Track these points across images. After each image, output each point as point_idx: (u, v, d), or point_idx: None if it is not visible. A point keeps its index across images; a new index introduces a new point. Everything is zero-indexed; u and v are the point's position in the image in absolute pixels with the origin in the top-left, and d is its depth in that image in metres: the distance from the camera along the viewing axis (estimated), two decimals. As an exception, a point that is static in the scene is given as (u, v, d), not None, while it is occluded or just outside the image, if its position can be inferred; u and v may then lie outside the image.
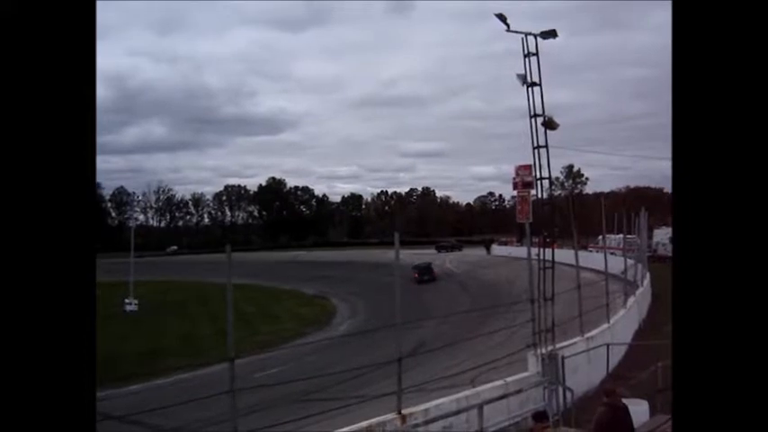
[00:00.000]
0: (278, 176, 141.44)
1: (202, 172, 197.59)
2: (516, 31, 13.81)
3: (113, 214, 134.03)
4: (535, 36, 13.96)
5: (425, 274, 51.29)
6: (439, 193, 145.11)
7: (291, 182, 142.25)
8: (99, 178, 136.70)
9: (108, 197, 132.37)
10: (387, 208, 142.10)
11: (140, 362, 26.77)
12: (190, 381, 23.55)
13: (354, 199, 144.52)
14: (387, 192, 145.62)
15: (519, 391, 13.06)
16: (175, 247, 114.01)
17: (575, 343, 16.07)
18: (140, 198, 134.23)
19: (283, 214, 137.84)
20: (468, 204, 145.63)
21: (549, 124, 14.24)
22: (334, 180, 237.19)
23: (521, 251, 49.41)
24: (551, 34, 13.99)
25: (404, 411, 10.96)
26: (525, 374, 14.13)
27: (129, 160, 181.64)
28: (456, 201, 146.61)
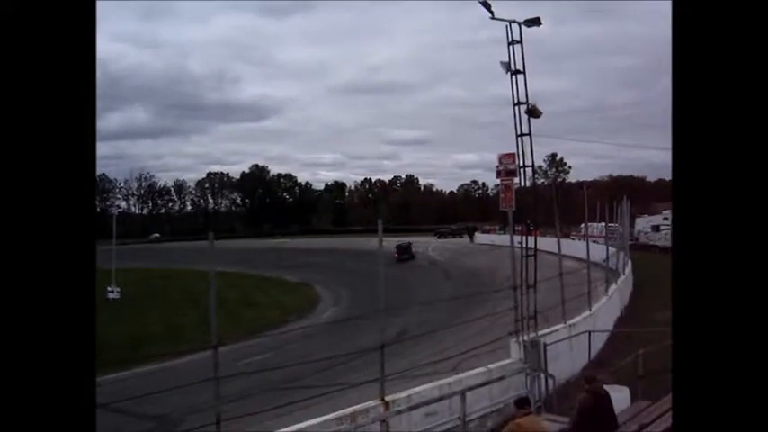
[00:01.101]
0: (261, 164, 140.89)
1: (185, 159, 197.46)
2: (500, 19, 13.81)
3: (96, 201, 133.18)
4: (519, 24, 13.97)
5: (405, 253, 58.21)
6: (422, 182, 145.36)
7: (275, 169, 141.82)
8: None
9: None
10: (370, 196, 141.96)
11: (122, 349, 26.57)
12: (173, 368, 23.45)
13: (338, 187, 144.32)
14: (370, 180, 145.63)
15: (501, 378, 13.16)
16: (158, 235, 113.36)
17: (557, 330, 16.21)
18: (122, 185, 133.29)
19: (266, 202, 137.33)
20: (452, 192, 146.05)
21: (533, 112, 14.28)
22: (317, 167, 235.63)
23: (503, 239, 49.59)
24: (535, 22, 14.00)
25: (387, 398, 11.02)
26: (508, 361, 14.23)
27: (112, 146, 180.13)
28: (439, 189, 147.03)
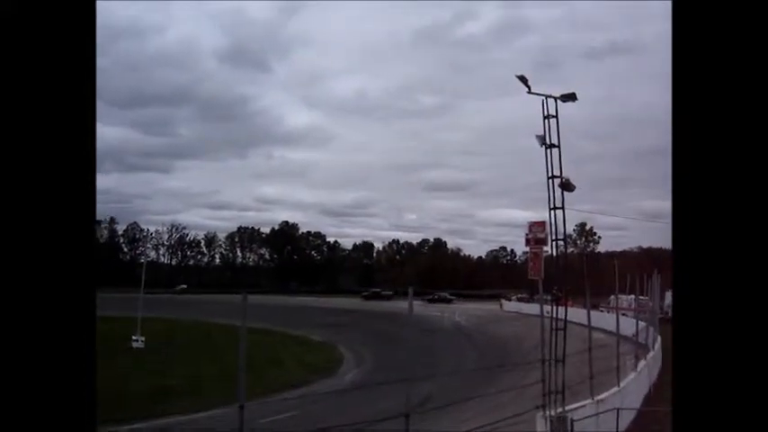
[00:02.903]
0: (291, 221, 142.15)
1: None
2: (537, 93, 13.98)
3: (125, 249, 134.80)
4: (555, 99, 14.12)
5: None
6: (450, 245, 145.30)
7: (304, 227, 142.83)
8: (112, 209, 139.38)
9: (121, 232, 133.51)
10: (398, 257, 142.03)
11: (144, 401, 26.52)
12: (193, 423, 23.32)
13: (366, 247, 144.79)
14: (398, 241, 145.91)
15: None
16: (184, 286, 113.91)
17: (584, 406, 15.83)
18: (153, 235, 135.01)
19: (294, 259, 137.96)
20: (480, 258, 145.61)
21: (567, 186, 14.28)
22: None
23: (531, 308, 49.31)
24: (571, 97, 14.14)
25: (409, 468, 10.79)
26: (532, 436, 13.90)
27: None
28: (467, 254, 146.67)
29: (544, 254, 15.28)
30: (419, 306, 61.47)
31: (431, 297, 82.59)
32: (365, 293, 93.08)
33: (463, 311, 68.52)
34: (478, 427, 15.90)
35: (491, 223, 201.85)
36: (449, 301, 75.26)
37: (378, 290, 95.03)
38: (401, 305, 67.40)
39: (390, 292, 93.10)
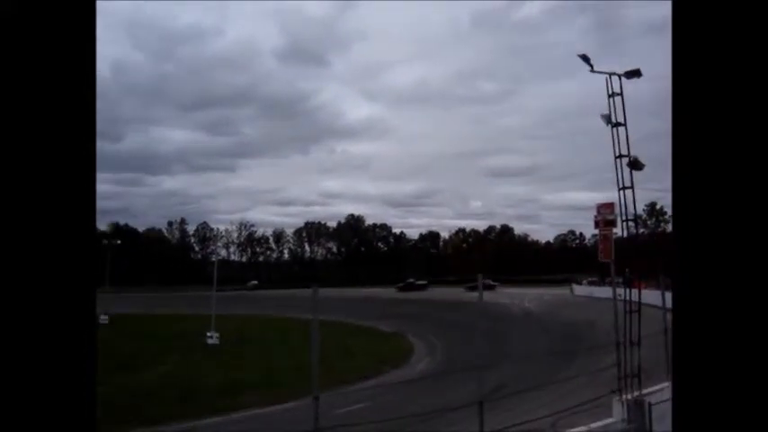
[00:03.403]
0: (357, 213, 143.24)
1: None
2: (600, 72, 13.69)
3: (196, 249, 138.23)
4: (619, 76, 13.79)
5: None
6: (517, 230, 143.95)
7: (369, 219, 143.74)
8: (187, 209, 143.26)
9: (191, 232, 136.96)
10: (464, 245, 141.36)
11: (219, 395, 27.21)
12: (268, 415, 23.81)
13: (432, 236, 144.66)
14: (464, 229, 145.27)
15: (604, 439, 12.66)
16: (256, 282, 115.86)
17: (661, 389, 15.47)
18: (222, 233, 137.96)
19: (361, 251, 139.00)
20: (548, 242, 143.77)
21: (635, 165, 13.94)
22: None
23: (603, 291, 48.41)
24: (635, 74, 13.78)
25: (484, 455, 10.78)
26: (610, 421, 13.66)
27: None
28: (535, 239, 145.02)
29: (614, 236, 14.97)
30: (463, 294, 61.38)
31: (472, 285, 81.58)
32: (400, 284, 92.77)
33: (533, 297, 67.66)
34: (555, 413, 15.76)
35: (558, 207, 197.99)
36: (492, 288, 73.12)
37: (411, 280, 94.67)
38: (448, 293, 67.55)
39: (424, 282, 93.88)
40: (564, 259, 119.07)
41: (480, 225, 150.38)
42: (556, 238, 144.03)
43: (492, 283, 76.19)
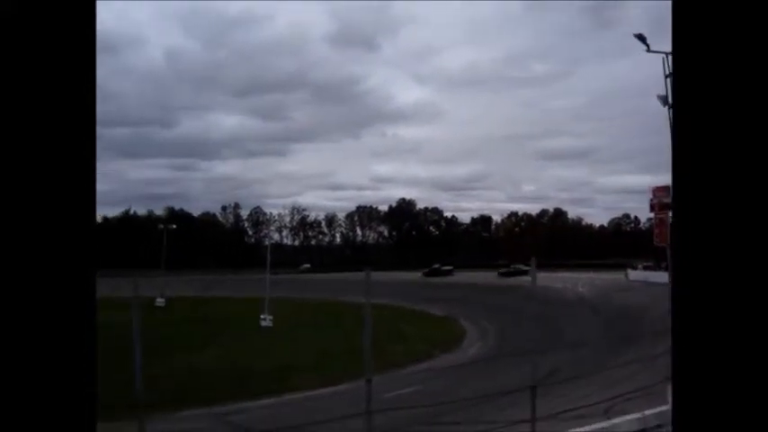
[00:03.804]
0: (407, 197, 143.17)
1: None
2: (657, 51, 13.40)
3: (250, 233, 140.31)
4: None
5: None
6: (571, 214, 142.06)
7: (421, 204, 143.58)
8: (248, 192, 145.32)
9: (245, 216, 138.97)
10: (516, 229, 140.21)
11: (273, 376, 27.62)
12: (319, 397, 24.08)
13: (483, 220, 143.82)
14: (517, 213, 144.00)
15: (659, 427, 12.47)
16: (308, 266, 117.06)
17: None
18: (276, 218, 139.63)
19: (413, 235, 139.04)
20: (602, 226, 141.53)
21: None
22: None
23: (659, 276, 47.43)
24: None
25: (536, 440, 10.73)
26: (665, 408, 13.44)
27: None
28: (589, 222, 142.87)
29: (670, 219, 14.70)
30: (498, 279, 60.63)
31: (506, 270, 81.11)
32: (425, 270, 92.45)
33: (586, 281, 66.73)
34: (608, 399, 15.61)
35: (612, 190, 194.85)
36: (524, 273, 68.12)
37: (437, 266, 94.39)
38: (535, 280, 66.84)
39: (450, 267, 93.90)
40: (618, 244, 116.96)
41: (533, 209, 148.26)
42: (610, 222, 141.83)
43: (524, 268, 68.60)
